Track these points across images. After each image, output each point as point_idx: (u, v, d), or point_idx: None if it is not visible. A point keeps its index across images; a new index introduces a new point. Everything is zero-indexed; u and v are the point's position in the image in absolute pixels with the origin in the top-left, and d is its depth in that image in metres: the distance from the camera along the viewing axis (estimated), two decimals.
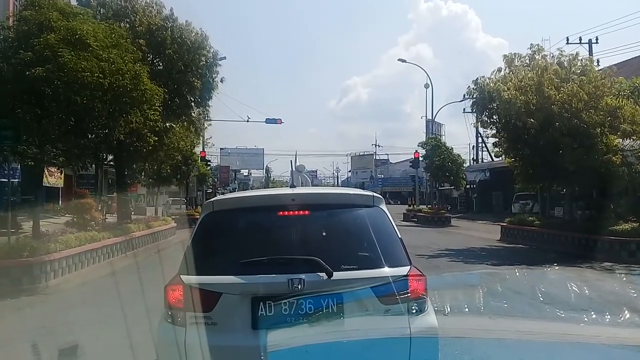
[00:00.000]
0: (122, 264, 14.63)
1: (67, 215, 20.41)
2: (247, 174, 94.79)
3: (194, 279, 3.54)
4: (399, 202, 66.20)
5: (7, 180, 15.18)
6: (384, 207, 4.09)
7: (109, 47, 13.54)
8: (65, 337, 6.25)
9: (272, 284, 3.46)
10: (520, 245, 19.30)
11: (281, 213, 3.85)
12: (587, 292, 8.17)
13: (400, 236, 3.95)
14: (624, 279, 11.79)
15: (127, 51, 14.61)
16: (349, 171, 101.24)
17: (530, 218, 21.26)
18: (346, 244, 3.90)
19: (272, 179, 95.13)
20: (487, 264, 13.88)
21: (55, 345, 4.74)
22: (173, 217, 27.04)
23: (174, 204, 38.51)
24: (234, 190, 55.34)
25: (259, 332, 3.42)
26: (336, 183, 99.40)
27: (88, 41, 12.84)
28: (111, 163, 22.43)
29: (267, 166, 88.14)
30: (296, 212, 3.84)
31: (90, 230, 14.56)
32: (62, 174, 29.64)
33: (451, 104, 76.62)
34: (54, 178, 28.96)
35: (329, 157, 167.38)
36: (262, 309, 3.44)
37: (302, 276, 3.45)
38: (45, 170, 19.69)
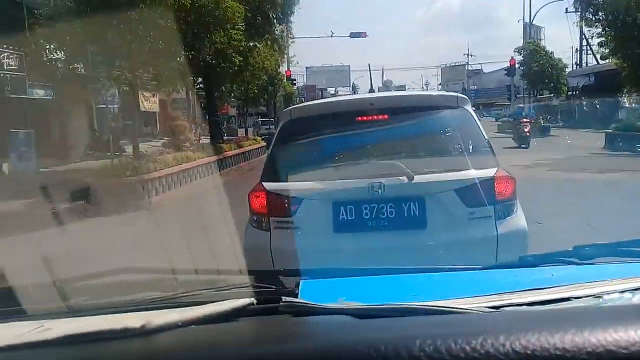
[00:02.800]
0: (216, 181, 15.30)
1: (164, 137, 21.49)
2: (333, 92, 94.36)
3: (275, 185, 3.58)
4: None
5: (105, 106, 16.07)
6: (469, 107, 3.85)
7: None
8: (178, 241, 6.61)
9: (352, 189, 3.42)
10: (626, 152, 17.89)
11: (360, 118, 3.73)
12: None
13: (487, 137, 3.73)
14: None
15: None
16: (439, 84, 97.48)
17: (639, 123, 19.56)
18: (428, 146, 3.77)
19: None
20: (587, 172, 13.01)
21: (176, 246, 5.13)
22: (262, 136, 27.72)
23: (263, 124, 39.32)
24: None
25: (340, 236, 3.42)
26: None
27: None
28: (201, 86, 23.01)
29: (353, 83, 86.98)
30: (375, 117, 3.71)
31: (186, 151, 15.26)
32: (157, 99, 30.96)
33: (552, 3, 70.10)
34: (149, 103, 30.31)
35: (417, 71, 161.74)
36: (342, 213, 3.42)
37: (383, 180, 3.37)
38: (141, 95, 20.61)
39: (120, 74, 14.15)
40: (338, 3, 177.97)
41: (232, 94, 29.45)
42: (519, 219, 3.53)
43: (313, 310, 0.99)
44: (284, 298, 1.04)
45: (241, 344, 0.86)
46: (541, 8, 76.02)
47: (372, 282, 1.39)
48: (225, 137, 24.28)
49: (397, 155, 3.57)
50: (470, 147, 3.63)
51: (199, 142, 19.04)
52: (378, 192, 3.36)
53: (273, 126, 37.45)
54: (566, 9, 33.10)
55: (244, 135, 29.43)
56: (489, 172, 3.48)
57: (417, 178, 3.39)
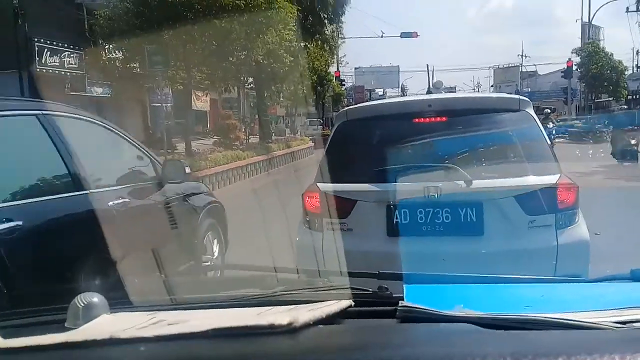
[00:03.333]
0: (265, 179, 15.46)
1: (214, 136, 21.88)
2: (382, 93, 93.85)
3: (329, 187, 3.55)
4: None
5: (160, 104, 16.49)
6: (531, 110, 3.70)
7: None
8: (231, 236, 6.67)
9: (408, 192, 3.35)
10: None
11: (417, 120, 3.66)
12: None
13: (549, 142, 3.61)
14: None
15: None
16: (492, 86, 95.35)
17: None
18: (488, 150, 3.63)
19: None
20: None
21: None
22: (311, 137, 27.86)
23: (312, 124, 39.48)
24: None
25: (394, 239, 3.35)
26: None
27: None
28: (251, 86, 23.32)
29: (402, 84, 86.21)
30: (433, 119, 3.62)
31: (236, 149, 15.49)
32: (208, 98, 31.58)
33: (612, 1, 67.48)
34: (201, 102, 30.95)
35: (469, 72, 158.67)
36: (397, 216, 3.36)
37: (439, 184, 3.28)
38: (193, 94, 21.06)
39: (175, 73, 14.50)
40: (389, 3, 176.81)
41: (282, 94, 29.73)
42: (580, 229, 3.39)
43: (434, 317, 0.95)
44: (401, 303, 1.00)
45: (364, 348, 0.84)
46: (601, 7, 73.21)
47: (479, 290, 1.34)
48: (274, 137, 24.53)
49: (455, 159, 3.44)
50: (532, 152, 3.51)
51: (248, 141, 19.28)
52: (434, 196, 3.28)
53: (321, 127, 37.61)
54: (627, 8, 31.76)
55: (292, 135, 29.61)
56: (551, 179, 3.34)
57: (476, 183, 3.29)
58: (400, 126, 3.73)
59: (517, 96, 3.96)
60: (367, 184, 3.47)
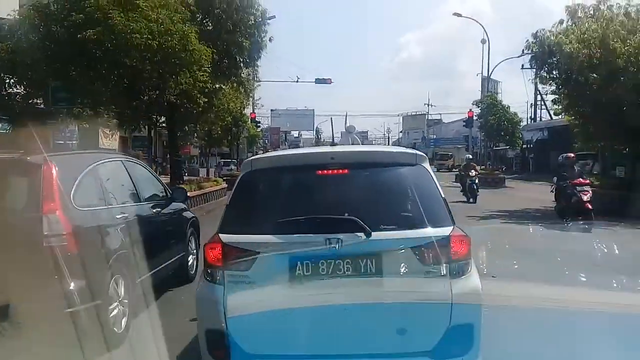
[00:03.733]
0: None
1: None
2: (297, 136, 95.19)
3: (232, 238, 3.54)
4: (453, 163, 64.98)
5: (63, 142, 15.75)
6: (426, 165, 3.92)
7: (157, 7, 13.60)
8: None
9: (310, 244, 3.40)
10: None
11: (320, 172, 3.76)
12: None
13: (443, 196, 3.78)
14: None
15: (175, 11, 14.61)
16: (401, 131, 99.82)
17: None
18: (386, 203, 3.77)
19: (322, 140, 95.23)
20: (539, 224, 13.40)
21: None
22: (224, 178, 27.52)
23: (226, 165, 39.17)
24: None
25: (295, 291, 3.39)
26: (387, 143, 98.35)
27: (137, 2, 12.93)
28: (164, 125, 22.85)
29: (317, 127, 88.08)
30: (335, 171, 3.75)
31: None
32: (118, 136, 30.53)
33: (509, 59, 73.21)
34: (108, 140, 29.87)
35: (380, 118, 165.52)
36: (299, 268, 3.41)
37: (340, 236, 3.38)
38: (101, 132, 20.31)
39: (82, 110, 13.96)
40: (305, 50, 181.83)
41: (196, 134, 29.38)
42: (473, 278, 3.57)
43: None
44: None
45: None
46: (499, 63, 79.43)
47: None
48: (186, 177, 24.03)
49: (356, 210, 3.53)
50: (428, 204, 3.66)
51: None
52: (335, 247, 3.36)
53: (235, 167, 37.43)
54: (522, 65, 34.65)
55: (205, 176, 29.14)
56: (445, 231, 3.53)
57: (375, 235, 3.40)
58: (304, 177, 3.81)
59: (414, 151, 4.13)
60: (269, 236, 3.49)
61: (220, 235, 3.60)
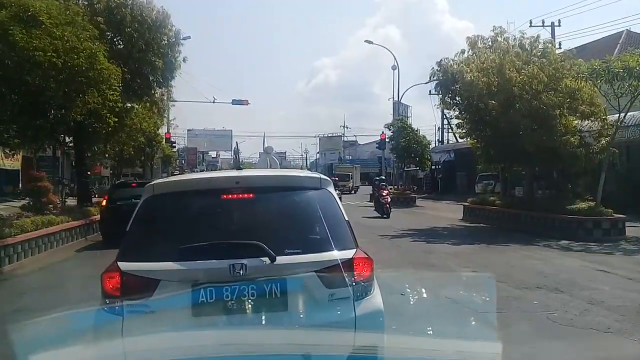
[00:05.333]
0: (81, 247, 14.34)
1: (26, 198, 19.86)
2: (215, 156, 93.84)
3: (131, 266, 3.44)
4: (366, 183, 66.57)
5: None
6: (331, 189, 4.01)
7: (63, 24, 13.10)
8: (14, 325, 6.12)
9: (213, 270, 3.37)
10: (482, 225, 19.64)
11: (225, 196, 3.74)
12: None
13: (347, 219, 3.88)
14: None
15: (83, 29, 14.16)
16: (318, 152, 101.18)
17: (491, 198, 21.64)
18: (291, 227, 3.82)
19: (241, 160, 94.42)
20: (447, 244, 14.09)
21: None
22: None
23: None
24: (201, 172, 54.71)
25: (199, 320, 3.34)
26: (305, 164, 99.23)
27: (41, 18, 12.41)
28: (71, 145, 21.80)
29: (235, 147, 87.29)
30: (240, 195, 3.75)
31: (48, 214, 14.19)
32: (21, 156, 28.73)
33: (417, 85, 76.80)
34: (10, 160, 28.05)
35: (297, 139, 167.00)
36: (202, 295, 3.34)
37: (244, 261, 3.37)
38: (1, 152, 19.05)
39: None
40: (221, 71, 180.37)
41: (106, 154, 28.22)
42: (375, 300, 3.65)
43: None
44: None
45: None
46: (408, 89, 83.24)
47: None
48: (95, 199, 22.99)
49: (260, 235, 3.55)
50: (332, 227, 3.71)
51: (64, 205, 17.78)
52: (240, 273, 3.34)
53: None
54: (430, 91, 36.44)
55: None
56: (348, 254, 3.62)
57: (279, 259, 3.42)
58: (208, 202, 3.77)
59: (319, 175, 4.19)
60: (171, 262, 3.41)
61: (118, 263, 3.49)
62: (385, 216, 22.66)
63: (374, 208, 24.51)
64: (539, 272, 10.05)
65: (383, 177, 28.46)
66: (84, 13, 15.47)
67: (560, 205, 16.18)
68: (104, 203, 15.50)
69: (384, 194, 23.52)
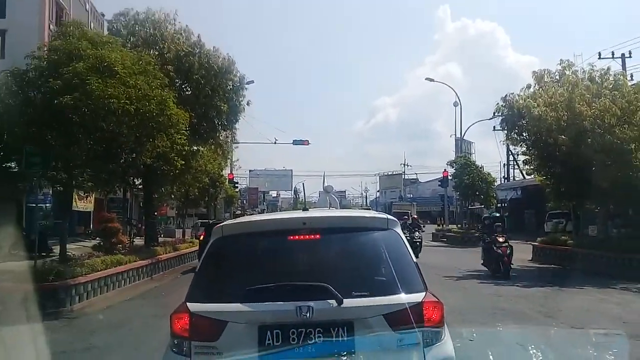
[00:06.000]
0: (147, 287, 14.71)
1: (96, 238, 20.73)
2: (275, 196, 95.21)
3: (200, 307, 3.45)
4: (428, 222, 65.30)
5: (35, 205, 15.49)
6: (398, 230, 3.93)
7: (136, 73, 13.79)
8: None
9: (280, 312, 3.33)
10: (552, 266, 18.70)
11: (292, 237, 3.72)
12: None
13: (415, 260, 3.77)
14: None
15: (154, 77, 14.85)
16: (378, 191, 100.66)
17: (563, 237, 20.61)
18: (358, 269, 3.74)
19: (300, 199, 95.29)
20: (517, 286, 13.43)
21: None
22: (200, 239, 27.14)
23: (202, 225, 38.78)
24: (262, 212, 55.56)
25: None
26: (365, 203, 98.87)
27: (116, 68, 13.09)
28: (140, 186, 22.72)
29: (295, 187, 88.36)
30: (307, 236, 3.71)
31: (117, 254, 14.69)
32: (93, 198, 30.17)
33: (481, 121, 75.72)
34: (83, 202, 29.49)
35: (357, 177, 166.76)
36: (269, 338, 3.31)
37: (311, 303, 3.31)
38: (75, 195, 20.04)
39: (56, 174, 13.81)
40: (282, 112, 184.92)
41: (172, 195, 29.20)
42: (446, 347, 3.50)
43: None
44: None
45: None
46: (471, 125, 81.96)
47: None
48: (161, 239, 23.69)
49: (327, 276, 3.49)
50: (399, 270, 3.61)
51: (132, 244, 18.41)
52: (307, 315, 3.28)
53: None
54: (494, 127, 35.62)
55: (181, 237, 28.74)
56: (417, 297, 3.49)
57: (346, 302, 3.34)
58: (276, 243, 3.76)
59: (386, 216, 4.12)
60: (239, 304, 3.40)
61: (187, 304, 3.50)
62: (500, 274, 15.03)
63: (481, 262, 16.75)
64: (617, 317, 9.40)
65: (497, 214, 21.49)
66: (155, 62, 16.26)
67: (638, 245, 15.19)
68: (202, 237, 19.18)
69: (500, 241, 15.49)
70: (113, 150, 14.23)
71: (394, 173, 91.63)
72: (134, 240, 19.92)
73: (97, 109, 12.32)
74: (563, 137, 16.90)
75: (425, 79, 45.75)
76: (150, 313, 10.45)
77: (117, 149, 14.42)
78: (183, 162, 17.91)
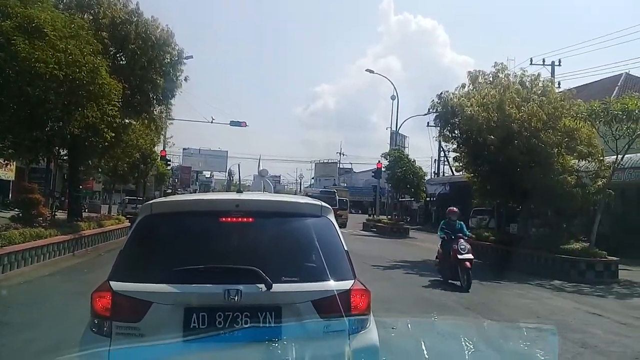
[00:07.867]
0: (68, 263, 14.10)
1: (16, 209, 19.64)
2: (209, 176, 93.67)
3: (123, 286, 3.32)
4: (360, 212, 66.48)
5: None
6: (331, 217, 3.93)
7: (67, 37, 13.09)
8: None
9: (207, 295, 3.26)
10: (474, 260, 19.43)
11: (223, 219, 3.64)
12: None
13: (346, 248, 3.78)
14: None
15: (87, 43, 14.15)
16: (313, 178, 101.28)
17: (485, 233, 21.48)
18: (289, 254, 3.71)
19: (234, 181, 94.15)
20: (440, 279, 13.92)
21: None
22: (128, 216, 26.30)
23: (131, 202, 37.59)
24: (194, 192, 54.54)
25: (189, 346, 3.20)
26: (299, 189, 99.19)
27: (45, 30, 12.38)
28: (65, 157, 21.63)
29: (230, 169, 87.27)
30: (239, 219, 3.65)
31: (37, 227, 13.94)
32: (14, 167, 28.53)
33: (416, 117, 77.62)
34: (3, 170, 27.86)
35: (293, 163, 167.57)
36: (194, 320, 3.23)
37: (240, 287, 3.26)
38: None
39: None
40: (221, 92, 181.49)
41: (100, 169, 28.04)
42: (371, 334, 3.53)
43: None
44: None
45: None
46: (406, 120, 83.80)
47: None
48: (86, 214, 22.74)
49: (257, 260, 3.43)
50: (330, 257, 3.62)
51: (54, 218, 17.53)
52: (235, 299, 3.23)
53: (140, 205, 35.83)
54: (428, 123, 36.63)
55: (107, 213, 27.70)
56: (346, 285, 3.51)
57: (276, 287, 3.31)
58: (206, 224, 3.67)
59: (320, 202, 4.06)
60: (164, 285, 3.30)
61: (110, 282, 3.37)
62: (460, 284, 12.46)
63: (436, 261, 14.17)
64: (532, 312, 9.93)
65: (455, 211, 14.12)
66: (89, 27, 15.46)
67: (554, 245, 16.05)
68: None
69: (463, 248, 12.74)
70: (38, 116, 13.48)
71: (330, 161, 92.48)
72: (56, 213, 18.97)
73: (23, 72, 11.61)
74: (492, 137, 17.56)
75: (366, 70, 46.48)
76: (70, 290, 10.00)
77: (43, 116, 13.67)
78: (113, 135, 17.13)
